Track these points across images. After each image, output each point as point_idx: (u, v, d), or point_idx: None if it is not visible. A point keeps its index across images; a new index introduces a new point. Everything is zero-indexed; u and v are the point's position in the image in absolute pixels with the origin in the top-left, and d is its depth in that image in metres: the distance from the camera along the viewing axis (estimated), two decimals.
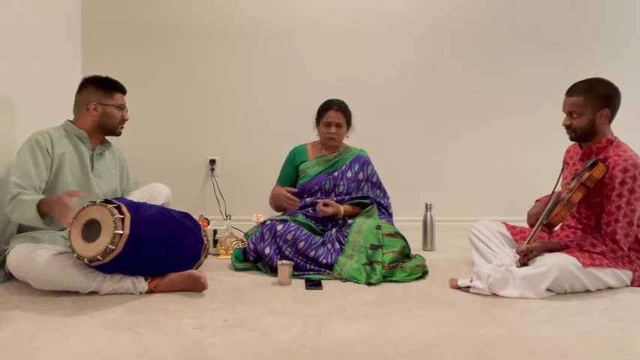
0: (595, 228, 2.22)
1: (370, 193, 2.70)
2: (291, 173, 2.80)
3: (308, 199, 2.69)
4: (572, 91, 2.22)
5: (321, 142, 2.77)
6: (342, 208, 2.61)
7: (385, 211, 2.72)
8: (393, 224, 2.67)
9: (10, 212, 2.05)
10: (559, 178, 2.31)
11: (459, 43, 3.54)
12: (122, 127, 2.36)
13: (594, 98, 2.16)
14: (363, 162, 2.76)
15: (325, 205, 2.59)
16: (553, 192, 2.30)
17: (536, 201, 2.45)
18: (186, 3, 3.42)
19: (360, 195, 2.69)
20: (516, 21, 3.56)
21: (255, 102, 3.49)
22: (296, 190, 2.69)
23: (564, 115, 2.24)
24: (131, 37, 3.40)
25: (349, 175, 2.71)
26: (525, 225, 2.44)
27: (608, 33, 3.59)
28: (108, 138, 2.39)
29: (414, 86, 3.55)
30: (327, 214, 2.58)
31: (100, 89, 2.28)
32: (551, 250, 2.17)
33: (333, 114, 2.67)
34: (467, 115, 3.58)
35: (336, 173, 2.70)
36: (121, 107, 2.33)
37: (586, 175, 2.13)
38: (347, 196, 2.69)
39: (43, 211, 1.97)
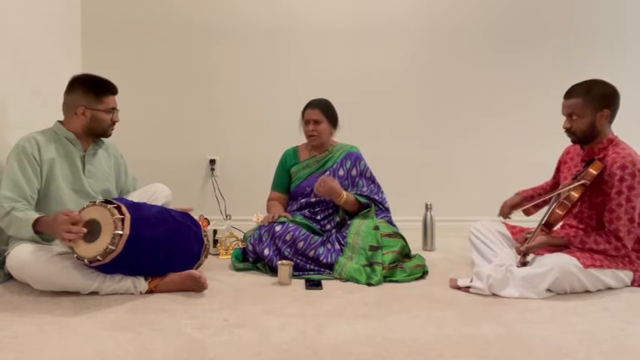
0: (596, 227, 2.21)
1: (365, 189, 2.69)
2: (284, 177, 2.78)
3: (303, 200, 2.68)
4: (570, 94, 2.21)
5: (308, 142, 2.76)
6: (345, 193, 2.55)
7: (382, 206, 2.70)
8: (391, 220, 2.66)
9: (6, 228, 2.00)
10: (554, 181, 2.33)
11: (459, 43, 3.54)
12: (112, 129, 2.27)
13: (593, 99, 2.15)
14: (355, 158, 2.75)
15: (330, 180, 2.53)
16: (540, 194, 2.44)
17: (516, 194, 2.53)
18: (186, 4, 3.42)
19: (357, 192, 2.66)
20: (514, 21, 3.56)
21: (256, 102, 3.49)
22: (288, 214, 2.62)
23: (564, 119, 2.24)
24: (131, 37, 3.40)
25: (341, 172, 2.70)
26: (525, 225, 2.43)
27: (608, 34, 3.59)
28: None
29: (413, 86, 3.55)
30: (323, 191, 2.51)
31: (89, 93, 2.16)
32: (554, 245, 2.17)
33: (310, 111, 2.67)
34: (467, 114, 3.58)
35: (327, 173, 2.68)
36: (111, 110, 2.22)
37: (583, 173, 2.14)
38: None
39: (39, 229, 1.94)
